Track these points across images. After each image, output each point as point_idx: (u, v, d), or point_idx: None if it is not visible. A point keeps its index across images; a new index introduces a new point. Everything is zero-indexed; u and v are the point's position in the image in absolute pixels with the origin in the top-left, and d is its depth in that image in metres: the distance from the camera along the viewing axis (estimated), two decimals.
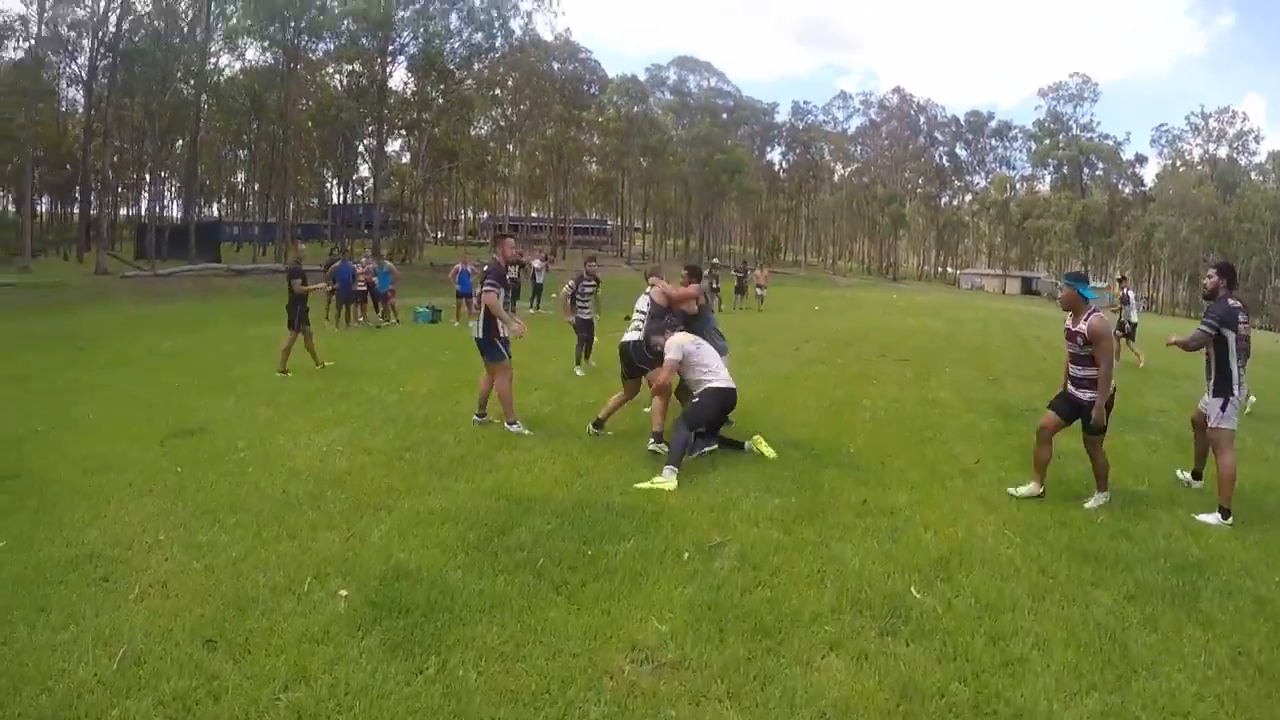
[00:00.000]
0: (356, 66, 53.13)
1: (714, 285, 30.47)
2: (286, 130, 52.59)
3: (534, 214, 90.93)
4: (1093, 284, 6.91)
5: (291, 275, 12.82)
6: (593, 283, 13.80)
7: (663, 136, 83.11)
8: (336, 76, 56.34)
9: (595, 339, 13.34)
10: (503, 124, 73.15)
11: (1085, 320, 6.17)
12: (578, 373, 12.59)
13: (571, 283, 13.59)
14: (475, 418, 8.62)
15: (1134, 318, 17.07)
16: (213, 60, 49.89)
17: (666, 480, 6.48)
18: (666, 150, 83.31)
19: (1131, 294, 17.37)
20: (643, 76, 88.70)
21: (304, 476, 6.53)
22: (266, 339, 15.93)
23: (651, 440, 7.40)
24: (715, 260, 37.22)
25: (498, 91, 66.89)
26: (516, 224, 79.21)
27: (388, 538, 5.19)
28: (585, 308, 13.58)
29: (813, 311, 32.66)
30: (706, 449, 7.40)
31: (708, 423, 7.39)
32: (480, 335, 8.25)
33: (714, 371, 7.50)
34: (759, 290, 33.75)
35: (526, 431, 8.14)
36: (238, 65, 52.47)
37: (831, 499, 6.30)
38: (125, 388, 11.09)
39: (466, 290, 21.02)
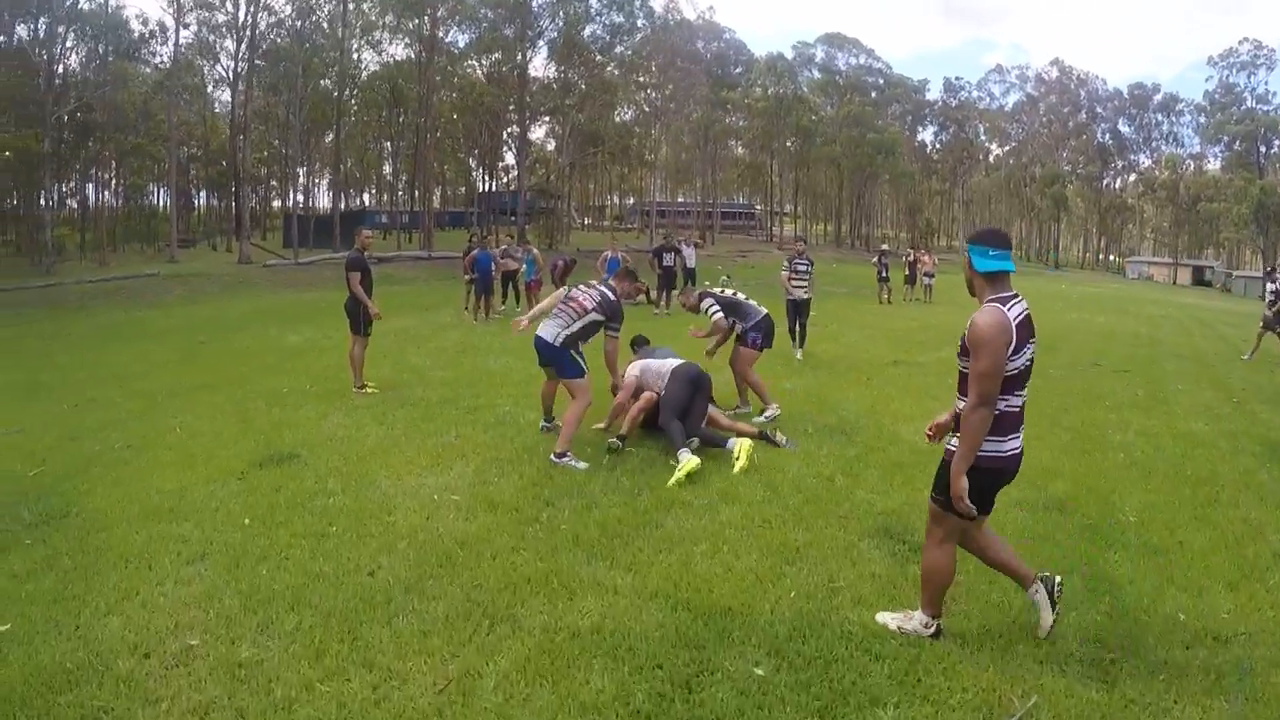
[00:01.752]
0: (497, 56, 52.80)
1: (882, 275, 27.89)
2: (429, 120, 52.29)
3: (680, 199, 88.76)
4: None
5: (349, 268, 9.92)
6: (806, 263, 13.29)
7: (813, 117, 79.82)
8: (477, 67, 56.04)
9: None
10: (646, 108, 71.44)
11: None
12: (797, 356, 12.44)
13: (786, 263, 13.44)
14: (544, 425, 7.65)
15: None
16: (354, 55, 50.79)
17: (686, 460, 6.28)
18: (816, 131, 80.00)
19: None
20: (789, 55, 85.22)
21: (401, 548, 4.91)
22: (397, 333, 14.63)
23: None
24: (885, 247, 34.03)
25: (641, 77, 65.19)
26: (664, 209, 77.51)
27: (505, 690, 3.41)
28: (801, 286, 13.16)
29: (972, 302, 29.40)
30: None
31: (681, 406, 7.06)
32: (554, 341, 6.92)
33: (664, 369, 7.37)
34: (926, 279, 29.75)
35: (580, 465, 6.50)
36: (376, 62, 53.37)
37: (1145, 612, 4.41)
38: (230, 391, 9.96)
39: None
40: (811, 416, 8.57)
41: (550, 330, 6.87)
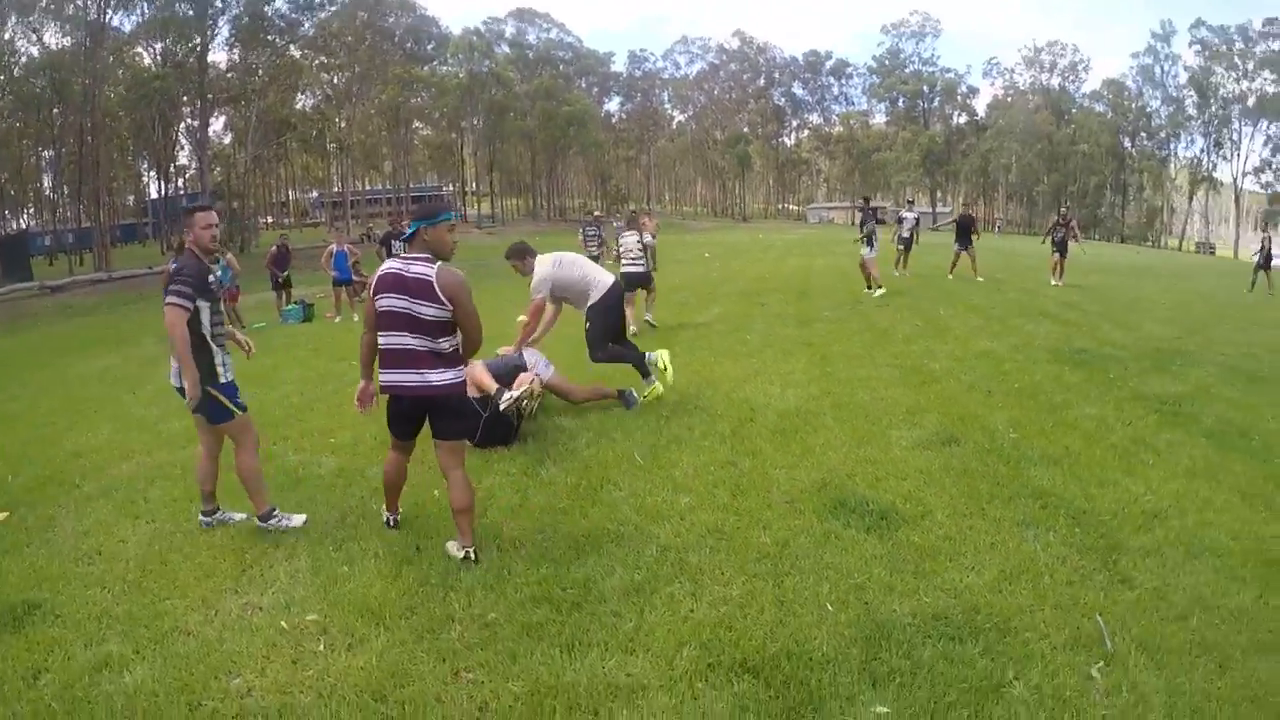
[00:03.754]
0: (169, 41, 47.26)
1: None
2: (95, 118, 45.61)
3: (368, 186, 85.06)
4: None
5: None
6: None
7: (506, 92, 79.36)
8: (147, 56, 50.19)
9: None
10: (330, 92, 67.14)
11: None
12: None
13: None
14: (203, 519, 5.15)
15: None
16: (6, 46, 43.51)
17: (651, 386, 7.21)
18: (510, 106, 79.76)
19: (908, 215, 21.55)
20: (481, 31, 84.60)
21: None
22: (99, 377, 12.10)
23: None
24: (597, 213, 34.00)
25: (327, 58, 61.06)
26: (354, 198, 73.70)
27: None
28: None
29: (704, 259, 29.82)
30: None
31: (611, 334, 7.37)
32: (176, 382, 4.87)
33: (591, 282, 7.40)
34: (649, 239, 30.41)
35: (293, 523, 5.02)
36: (35, 50, 45.85)
37: (1091, 514, 4.94)
38: None
39: (345, 277, 17.32)
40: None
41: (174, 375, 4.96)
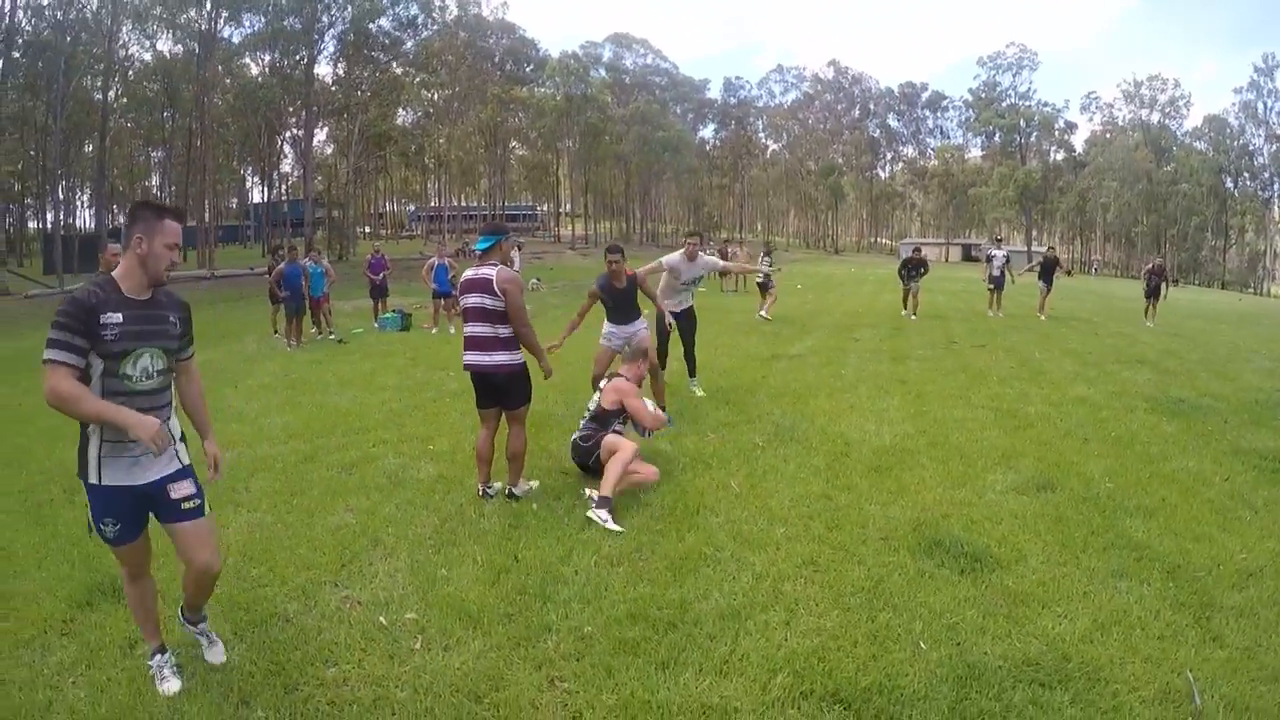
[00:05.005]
0: (277, 54, 48.83)
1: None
2: (204, 123, 47.56)
3: (461, 202, 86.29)
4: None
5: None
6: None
7: (602, 115, 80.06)
8: (256, 64, 51.93)
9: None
10: (432, 109, 68.77)
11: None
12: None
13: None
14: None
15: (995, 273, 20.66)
16: (121, 50, 45.05)
17: None
18: (605, 129, 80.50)
19: (997, 252, 21.18)
20: (579, 55, 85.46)
21: None
22: (205, 370, 12.53)
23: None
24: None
25: (430, 75, 62.59)
26: (449, 214, 75.03)
27: None
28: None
29: (796, 290, 29.70)
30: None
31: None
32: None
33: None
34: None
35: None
36: (149, 56, 47.76)
37: (1189, 568, 4.79)
38: (9, 476, 6.86)
39: (445, 289, 17.57)
40: (742, 424, 7.82)
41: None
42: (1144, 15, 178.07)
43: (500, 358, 5.45)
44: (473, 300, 5.46)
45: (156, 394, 3.19)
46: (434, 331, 17.34)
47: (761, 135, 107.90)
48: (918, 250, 20.01)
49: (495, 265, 5.49)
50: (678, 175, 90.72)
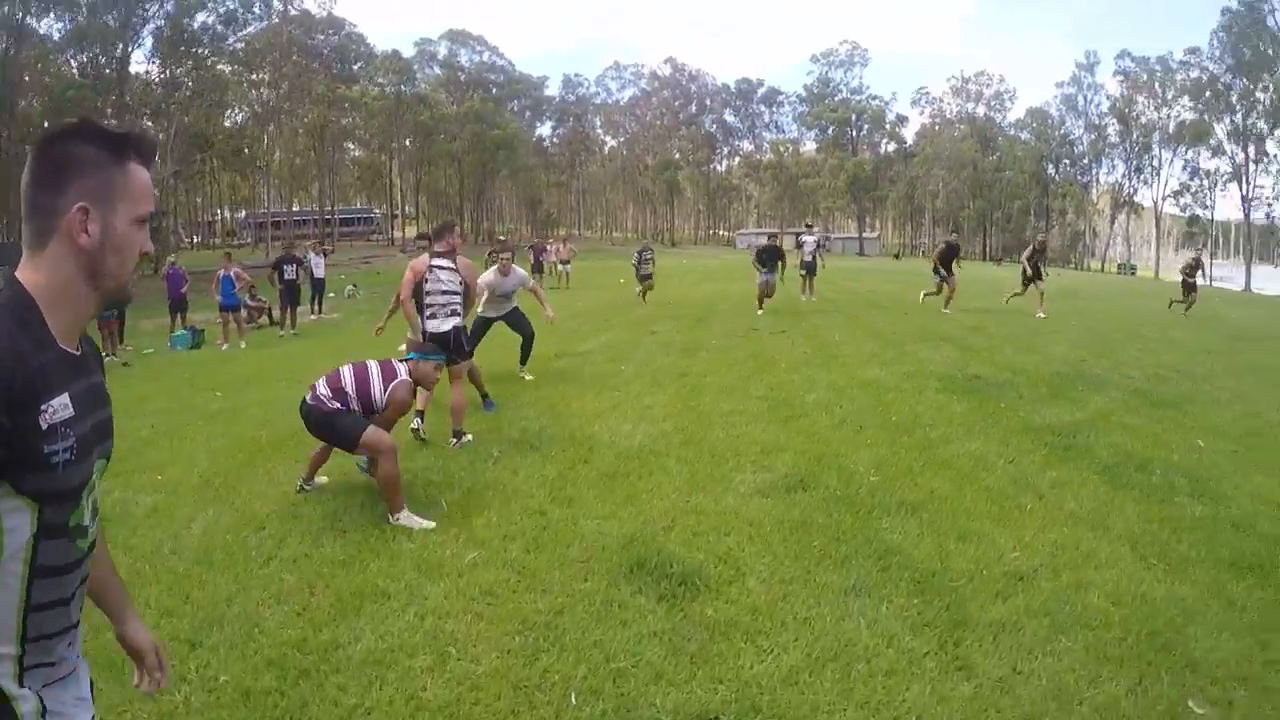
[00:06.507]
0: (95, 53, 45.76)
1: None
2: (11, 128, 43.75)
3: (296, 207, 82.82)
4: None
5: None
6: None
7: (434, 114, 78.82)
8: (73, 63, 48.42)
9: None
10: (259, 108, 65.41)
11: None
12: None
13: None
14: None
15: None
16: None
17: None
18: (438, 128, 79.36)
19: (808, 238, 21.51)
20: (412, 51, 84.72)
21: None
22: None
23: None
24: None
25: (255, 74, 59.52)
26: (279, 219, 72.05)
27: None
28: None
29: (619, 285, 29.37)
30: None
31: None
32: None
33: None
34: (562, 265, 30.52)
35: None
36: None
37: (944, 575, 4.39)
38: None
39: (231, 303, 16.53)
40: (487, 433, 7.35)
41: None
42: (980, 17, 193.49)
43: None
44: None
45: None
46: (224, 348, 16.35)
47: (599, 132, 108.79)
48: (774, 237, 19.14)
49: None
50: (514, 173, 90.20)
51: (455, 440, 6.87)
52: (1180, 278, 22.40)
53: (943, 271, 18.17)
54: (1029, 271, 18.44)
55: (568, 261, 30.56)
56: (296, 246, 22.60)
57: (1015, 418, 7.72)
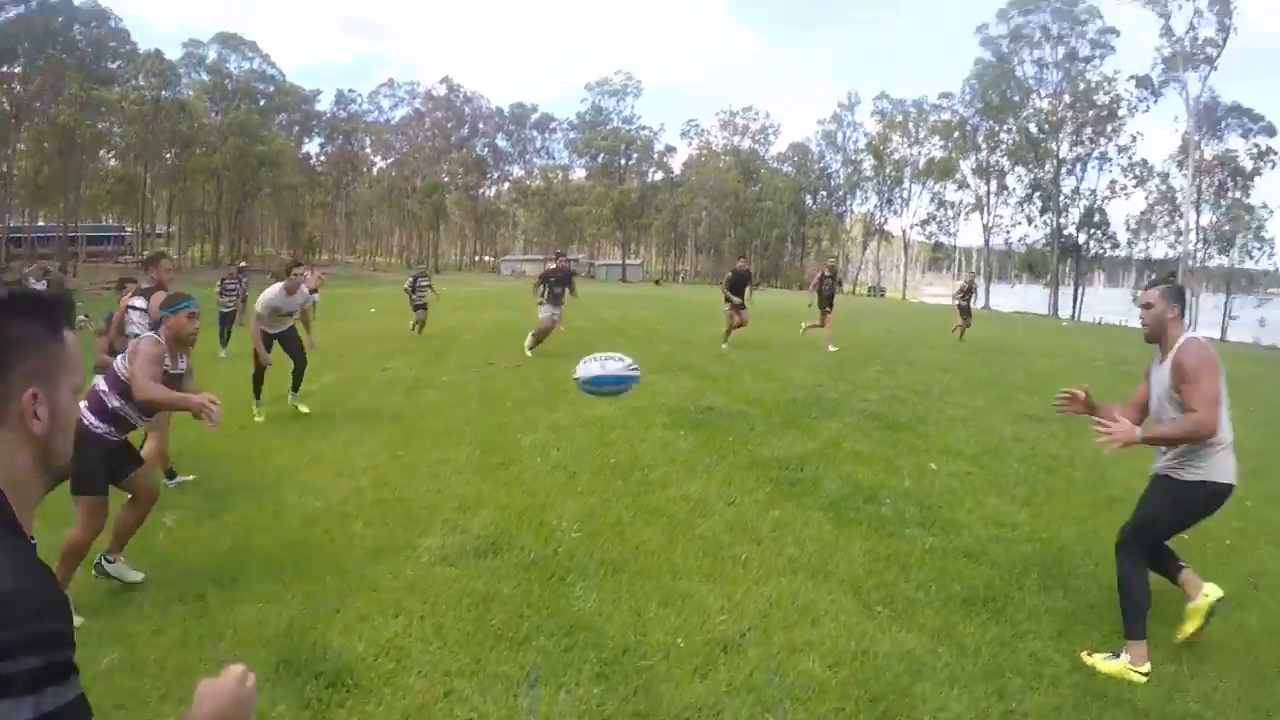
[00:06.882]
0: None
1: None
2: None
3: (40, 222, 75.29)
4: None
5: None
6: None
7: (193, 124, 73.16)
8: None
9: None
10: (8, 106, 57.78)
11: None
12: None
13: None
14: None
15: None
16: None
17: None
18: (197, 139, 73.64)
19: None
20: (179, 53, 78.39)
21: None
22: None
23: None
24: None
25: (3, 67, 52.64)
26: (18, 236, 64.73)
27: None
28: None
29: (368, 314, 27.69)
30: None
31: None
32: None
33: None
34: (309, 294, 27.98)
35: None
36: None
37: (646, 657, 3.86)
38: None
39: None
40: (166, 496, 6.18)
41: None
42: (755, 58, 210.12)
43: None
44: None
45: None
46: None
47: (369, 151, 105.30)
48: (561, 254, 16.71)
49: None
50: (277, 192, 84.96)
51: (169, 482, 6.44)
52: (955, 303, 22.87)
53: (734, 300, 16.62)
54: (818, 298, 17.35)
55: (315, 290, 27.84)
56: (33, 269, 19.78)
57: (743, 452, 7.55)
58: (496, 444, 7.87)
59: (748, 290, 16.67)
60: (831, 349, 16.38)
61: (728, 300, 16.71)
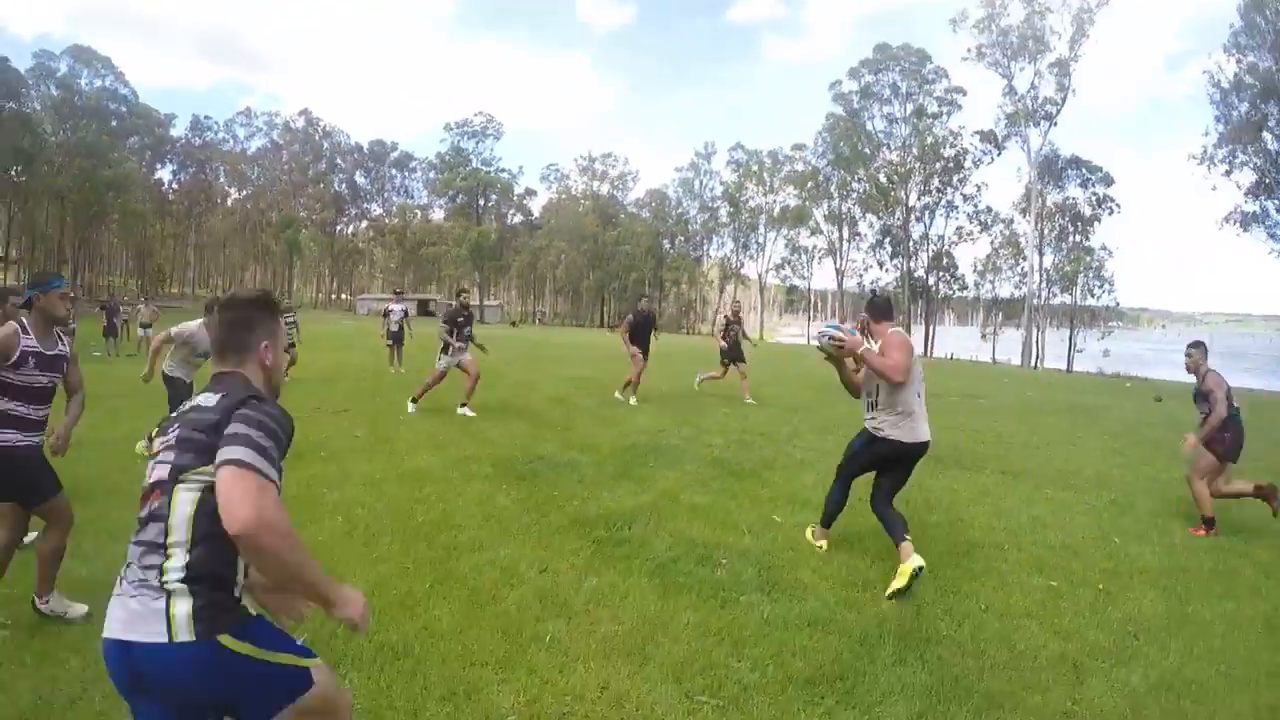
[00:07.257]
0: None
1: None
2: None
3: None
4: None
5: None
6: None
7: (36, 140, 67.64)
8: None
9: None
10: None
11: None
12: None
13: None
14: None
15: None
16: None
17: None
18: (41, 157, 68.47)
19: (395, 306, 20.63)
20: (30, 63, 73.73)
21: None
22: None
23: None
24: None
25: None
26: None
27: None
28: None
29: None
30: None
31: None
32: None
33: None
34: (142, 330, 25.92)
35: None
36: None
37: None
38: None
39: None
40: None
41: None
42: (618, 104, 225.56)
43: None
44: None
45: None
46: None
47: (223, 181, 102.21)
48: (464, 291, 13.89)
49: None
50: (125, 218, 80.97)
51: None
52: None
53: (633, 349, 14.59)
54: (725, 348, 15.65)
55: (149, 325, 25.68)
56: None
57: (568, 508, 6.93)
58: (298, 501, 6.75)
59: (653, 335, 15.00)
60: (749, 401, 15.06)
61: (630, 345, 14.62)
